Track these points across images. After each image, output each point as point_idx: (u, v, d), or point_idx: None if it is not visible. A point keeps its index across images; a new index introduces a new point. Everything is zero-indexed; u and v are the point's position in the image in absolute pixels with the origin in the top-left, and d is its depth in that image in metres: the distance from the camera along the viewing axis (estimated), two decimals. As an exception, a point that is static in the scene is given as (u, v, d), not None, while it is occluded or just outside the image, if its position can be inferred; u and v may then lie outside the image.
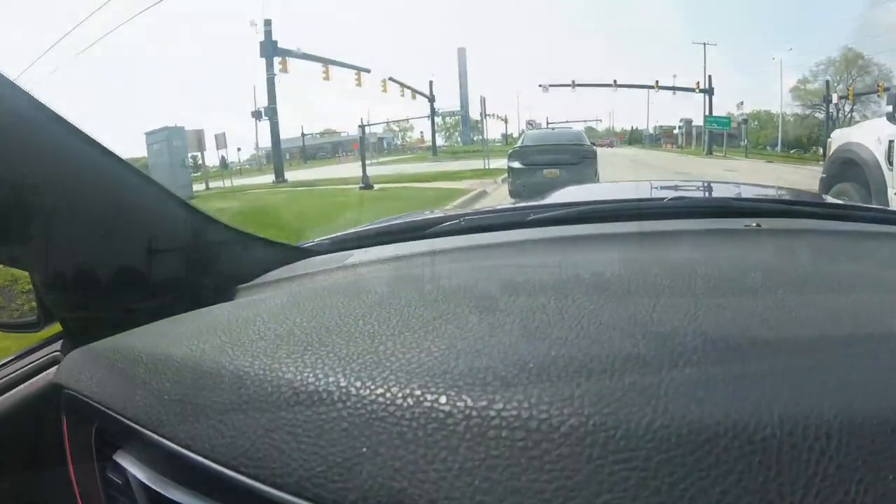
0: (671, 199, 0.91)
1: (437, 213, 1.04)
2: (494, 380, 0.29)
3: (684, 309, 0.36)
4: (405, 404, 0.29)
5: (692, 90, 31.60)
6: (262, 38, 19.13)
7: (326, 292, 0.51)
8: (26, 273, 0.63)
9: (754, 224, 0.74)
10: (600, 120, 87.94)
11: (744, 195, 1.28)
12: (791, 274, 0.47)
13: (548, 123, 69.61)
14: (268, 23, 19.36)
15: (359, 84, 25.75)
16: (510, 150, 8.57)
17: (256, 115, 19.50)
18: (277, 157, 20.12)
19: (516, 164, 7.44)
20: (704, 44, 39.57)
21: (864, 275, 0.50)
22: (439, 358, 0.32)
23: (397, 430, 0.28)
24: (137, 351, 0.44)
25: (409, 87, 36.60)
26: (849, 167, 3.70)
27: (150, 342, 0.46)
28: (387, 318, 0.39)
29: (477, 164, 16.83)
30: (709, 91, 30.25)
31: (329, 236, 0.89)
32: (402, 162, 30.84)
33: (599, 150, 8.75)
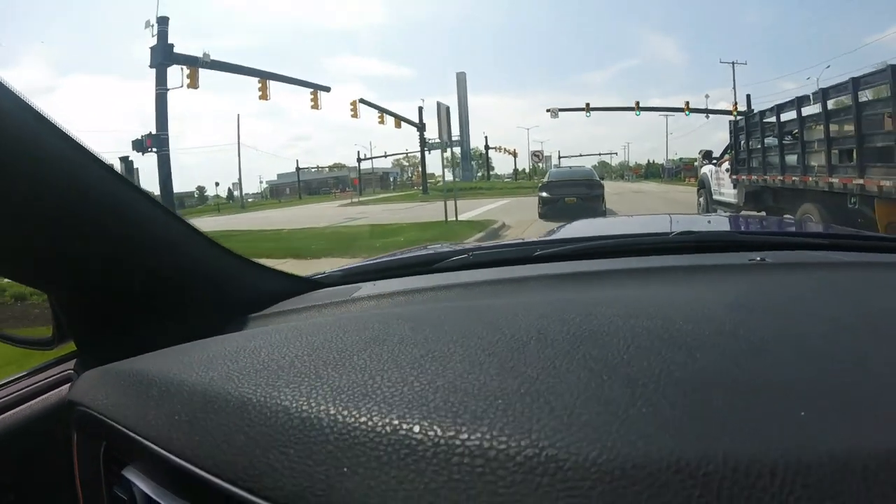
0: (677, 234, 0.93)
1: (448, 248, 1.10)
2: (465, 413, 0.32)
3: (656, 351, 0.38)
4: (383, 432, 0.32)
5: (728, 112, 25.23)
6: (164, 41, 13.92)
7: (329, 326, 0.53)
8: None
9: (758, 258, 0.76)
10: (615, 153, 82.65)
11: (747, 228, 1.44)
12: (783, 311, 0.49)
13: (559, 157, 63.73)
14: (163, 21, 13.16)
15: (315, 106, 20.13)
16: (540, 184, 11.87)
17: (138, 145, 13.54)
18: (168, 198, 13.85)
19: (545, 194, 10.40)
20: (733, 63, 30.21)
21: (859, 312, 0.50)
22: (420, 392, 0.35)
23: (375, 454, 0.31)
24: (151, 375, 0.47)
25: (388, 112, 29.03)
26: (702, 184, 9.38)
27: (163, 367, 0.48)
28: (379, 354, 0.42)
29: (462, 206, 12.00)
30: (747, 114, 24.20)
31: (341, 268, 0.94)
32: (377, 202, 25.53)
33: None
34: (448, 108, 8.85)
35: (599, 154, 74.85)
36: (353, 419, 0.33)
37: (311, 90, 20.00)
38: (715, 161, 9.04)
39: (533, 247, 0.91)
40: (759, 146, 6.81)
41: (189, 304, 0.65)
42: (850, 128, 4.82)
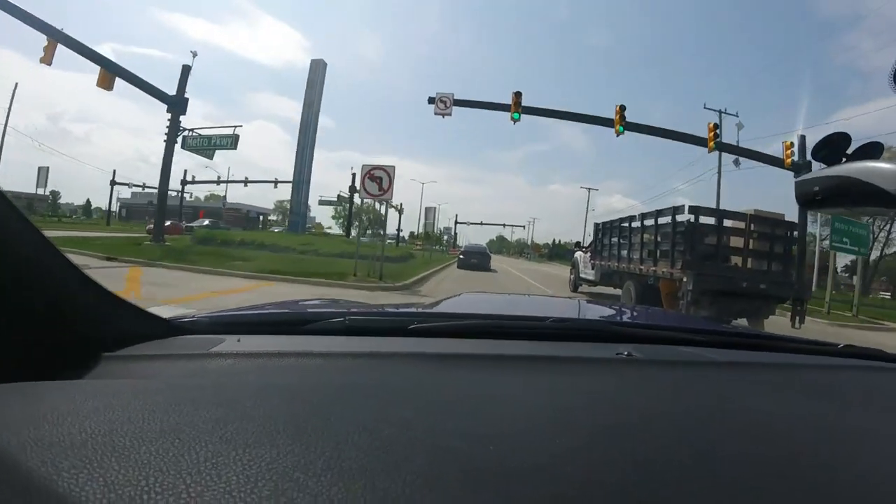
0: (552, 321, 0.97)
1: (324, 306, 1.19)
2: None
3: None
4: None
5: (780, 162, 13.45)
6: None
7: (156, 393, 0.51)
8: None
9: (626, 353, 0.82)
10: (522, 226, 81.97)
11: (621, 318, 1.48)
12: (642, 411, 0.54)
13: (456, 222, 67.34)
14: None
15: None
16: (460, 251, 25.62)
17: None
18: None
19: (461, 256, 22.04)
20: (720, 111, 21.98)
21: (704, 415, 0.55)
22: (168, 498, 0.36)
23: None
24: None
25: (136, 80, 14.09)
26: (574, 264, 14.39)
27: None
28: (184, 446, 0.41)
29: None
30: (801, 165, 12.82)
31: (208, 314, 0.93)
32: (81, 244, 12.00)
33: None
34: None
35: (504, 225, 78.66)
36: None
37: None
38: (583, 250, 13.55)
39: (411, 318, 0.92)
40: (607, 243, 10.73)
41: (32, 333, 0.58)
42: (650, 237, 8.53)
